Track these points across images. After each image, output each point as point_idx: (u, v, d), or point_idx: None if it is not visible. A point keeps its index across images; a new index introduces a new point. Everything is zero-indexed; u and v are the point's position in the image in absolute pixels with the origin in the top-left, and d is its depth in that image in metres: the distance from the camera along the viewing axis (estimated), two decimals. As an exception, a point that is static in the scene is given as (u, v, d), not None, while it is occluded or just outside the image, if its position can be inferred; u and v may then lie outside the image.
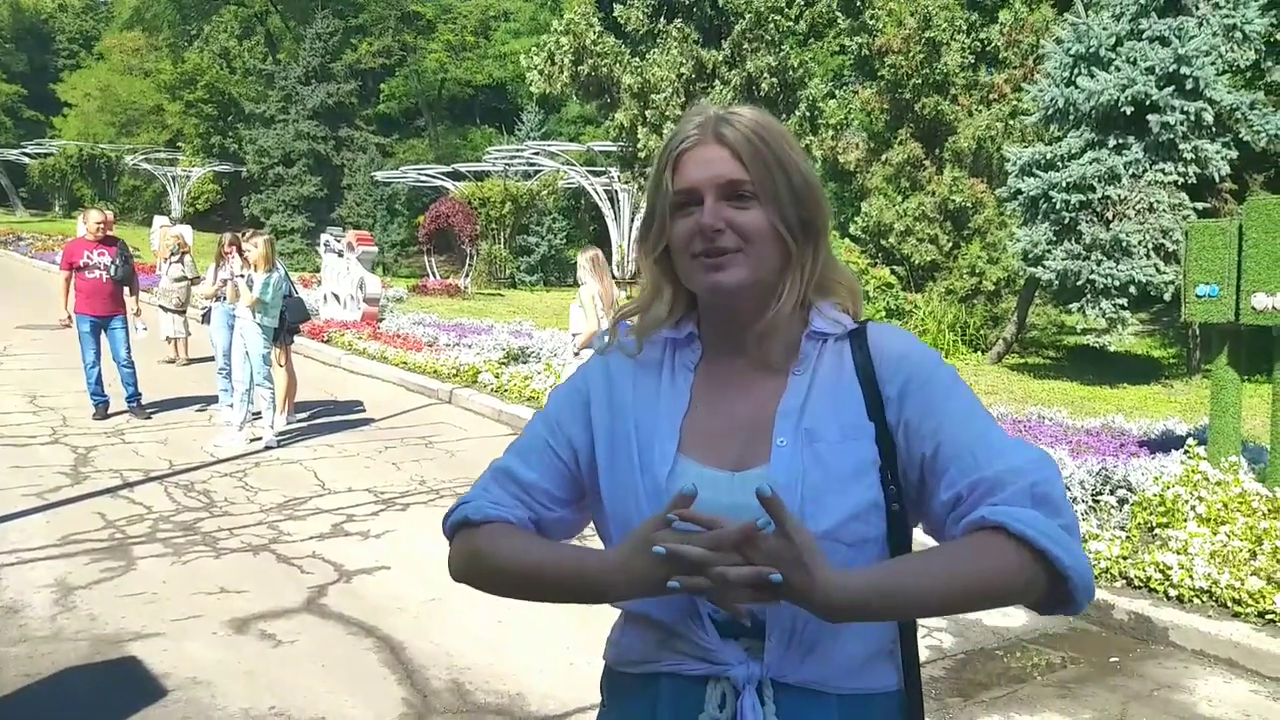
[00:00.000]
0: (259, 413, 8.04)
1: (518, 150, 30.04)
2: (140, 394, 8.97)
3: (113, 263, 8.77)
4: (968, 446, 1.18)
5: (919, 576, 1.10)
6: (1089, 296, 11.73)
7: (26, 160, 48.69)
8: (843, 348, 1.29)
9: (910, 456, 1.22)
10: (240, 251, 8.34)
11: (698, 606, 1.22)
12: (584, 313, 7.38)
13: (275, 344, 8.34)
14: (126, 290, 9.00)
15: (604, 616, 1.36)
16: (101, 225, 8.88)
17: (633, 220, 26.30)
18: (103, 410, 8.76)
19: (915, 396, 1.23)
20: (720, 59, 17.45)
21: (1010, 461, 1.15)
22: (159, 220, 24.19)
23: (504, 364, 10.93)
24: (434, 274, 26.82)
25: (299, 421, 8.91)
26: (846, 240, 16.46)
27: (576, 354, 7.48)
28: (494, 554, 1.26)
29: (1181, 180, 11.47)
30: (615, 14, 18.08)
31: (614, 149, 22.23)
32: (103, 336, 8.82)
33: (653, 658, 1.27)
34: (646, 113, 17.00)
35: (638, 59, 17.61)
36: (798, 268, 1.25)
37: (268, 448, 7.78)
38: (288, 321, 8.55)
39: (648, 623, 1.28)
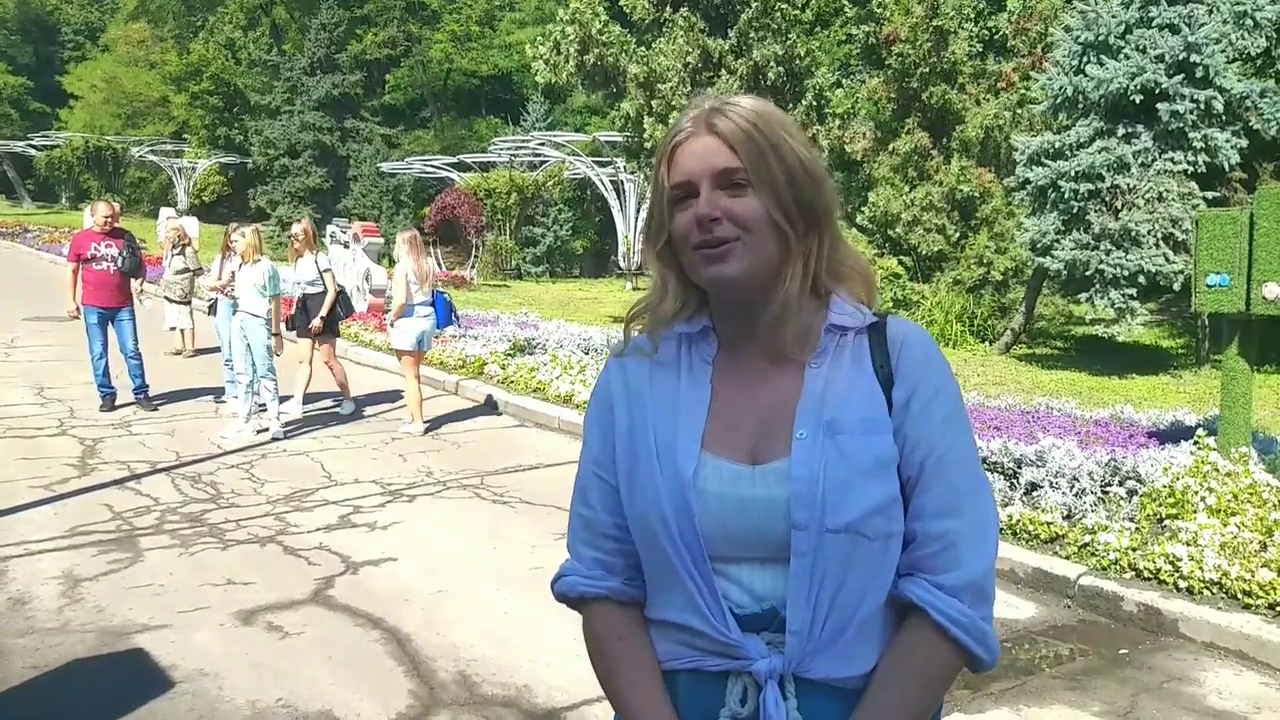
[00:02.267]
0: (265, 404, 8.04)
1: (523, 141, 30.02)
2: (147, 385, 8.98)
3: (120, 254, 8.79)
4: (944, 488, 1.23)
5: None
6: (1097, 286, 11.66)
7: (33, 152, 48.81)
8: (862, 341, 1.28)
9: (904, 466, 1.24)
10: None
11: (719, 601, 1.21)
12: (396, 288, 8.19)
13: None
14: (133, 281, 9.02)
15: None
16: (109, 218, 8.88)
17: (639, 211, 26.27)
18: (110, 402, 8.77)
19: (919, 414, 1.24)
20: (726, 48, 17.33)
21: (971, 522, 1.22)
22: (165, 212, 24.15)
23: (510, 355, 10.92)
24: (440, 265, 26.81)
25: (308, 413, 8.90)
26: (853, 230, 16.39)
27: (392, 325, 8.32)
28: (596, 663, 1.34)
29: (1191, 169, 11.37)
30: (621, 3, 17.98)
31: (620, 139, 22.15)
32: (110, 328, 8.83)
33: (672, 655, 1.27)
34: (653, 103, 16.88)
35: (644, 48, 17.51)
36: (799, 254, 1.24)
37: (274, 439, 7.79)
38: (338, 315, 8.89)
39: (667, 623, 1.28)
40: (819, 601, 1.19)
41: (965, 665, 1.23)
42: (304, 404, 8.84)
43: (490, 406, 9.55)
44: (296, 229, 8.87)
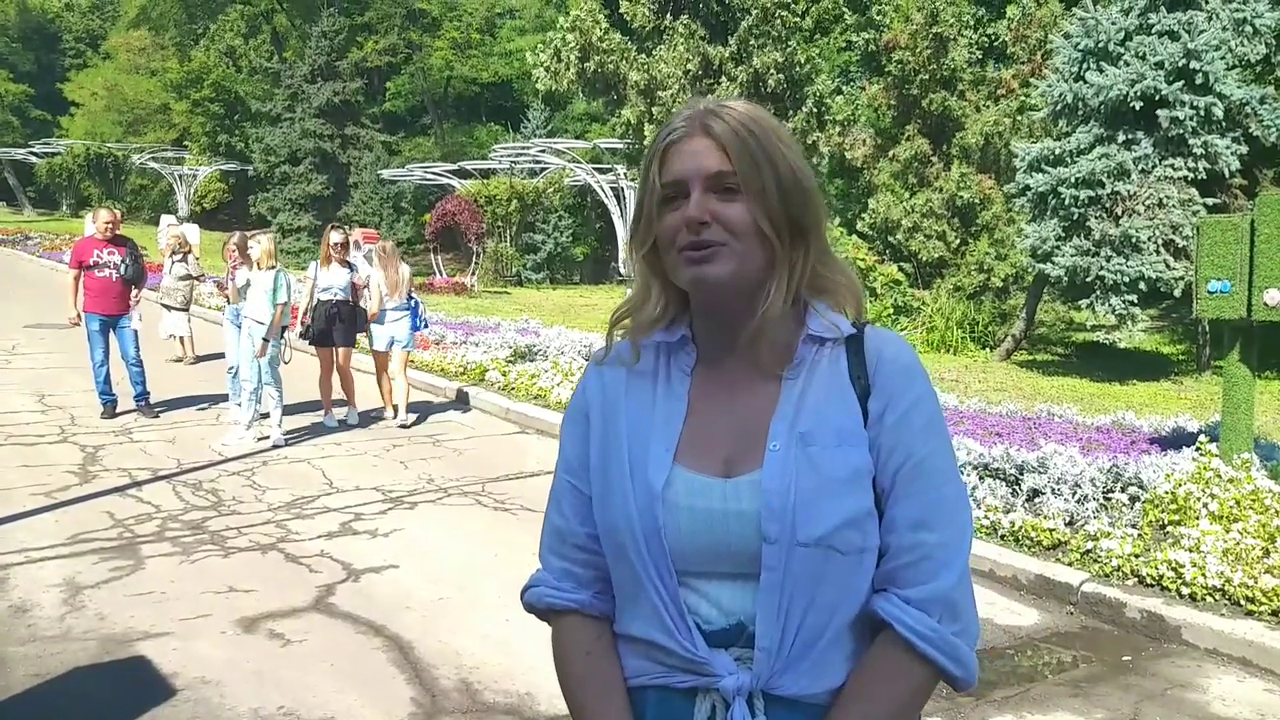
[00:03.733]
0: (267, 412, 8.05)
1: (524, 148, 30.09)
2: (148, 393, 8.98)
3: (123, 262, 8.80)
4: (919, 499, 1.20)
5: None
6: (1098, 293, 11.67)
7: (34, 160, 48.92)
8: (839, 353, 1.25)
9: (880, 477, 1.22)
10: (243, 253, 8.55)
11: (685, 617, 1.20)
12: (372, 297, 8.95)
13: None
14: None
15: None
16: (109, 224, 8.89)
17: (639, 217, 26.30)
18: (111, 409, 8.77)
19: (894, 423, 1.21)
20: (727, 55, 17.41)
21: (946, 534, 1.20)
22: (166, 219, 24.21)
23: (511, 362, 10.92)
24: (440, 272, 26.83)
25: (303, 419, 8.90)
26: (854, 237, 16.41)
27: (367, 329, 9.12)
28: (561, 677, 1.34)
29: (1191, 176, 11.39)
30: (621, 10, 18.04)
31: (620, 146, 22.24)
32: (112, 335, 8.84)
33: (640, 671, 1.25)
34: (653, 109, 16.95)
35: (644, 55, 17.56)
36: (785, 266, 1.22)
37: (275, 446, 7.78)
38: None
39: (634, 638, 1.26)
40: (789, 617, 1.16)
41: (944, 682, 1.20)
42: (328, 411, 8.90)
43: (491, 413, 9.56)
44: (338, 236, 8.93)
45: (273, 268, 8.00)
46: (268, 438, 7.90)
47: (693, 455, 1.23)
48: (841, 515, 1.17)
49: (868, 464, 1.20)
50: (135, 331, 8.95)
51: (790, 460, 1.18)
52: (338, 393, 9.02)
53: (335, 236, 8.92)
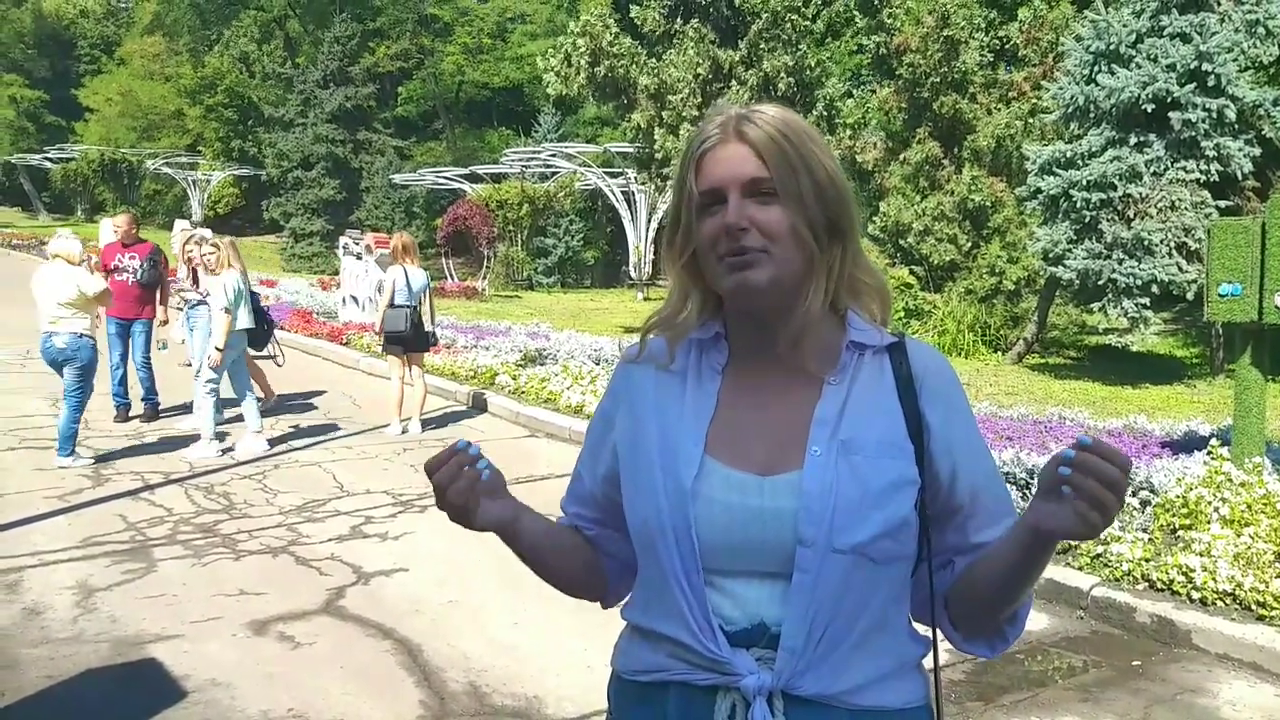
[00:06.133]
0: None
1: (535, 152, 30.12)
2: (158, 395, 9.04)
3: (141, 266, 8.89)
4: (995, 500, 1.30)
5: None
6: (1110, 296, 11.62)
7: (49, 165, 49.25)
8: (882, 361, 1.27)
9: (952, 495, 1.26)
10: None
11: (710, 619, 1.20)
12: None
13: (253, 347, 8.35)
14: (158, 295, 9.14)
15: (621, 619, 1.35)
16: (118, 228, 9.04)
17: (649, 222, 26.31)
18: (124, 413, 8.83)
19: (960, 443, 1.27)
20: (737, 59, 17.41)
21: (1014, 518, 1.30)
22: (180, 224, 24.31)
23: (521, 366, 10.94)
24: (452, 276, 26.92)
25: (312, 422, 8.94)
26: (865, 240, 16.35)
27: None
28: None
29: (1203, 178, 11.34)
30: (632, 15, 18.06)
31: (631, 150, 22.26)
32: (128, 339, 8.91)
33: (661, 667, 1.26)
34: (663, 114, 16.96)
35: (654, 60, 17.58)
36: (823, 269, 1.23)
37: (258, 452, 7.67)
38: (386, 329, 8.61)
39: (657, 633, 1.27)
40: (816, 620, 1.17)
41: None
42: (398, 422, 8.65)
43: (502, 417, 9.58)
44: (395, 240, 9.05)
45: (229, 270, 7.96)
46: (231, 449, 7.67)
47: (728, 452, 1.24)
48: (879, 525, 1.18)
49: (912, 475, 1.22)
50: (149, 336, 9.02)
51: (831, 466, 1.19)
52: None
53: (394, 240, 9.14)
